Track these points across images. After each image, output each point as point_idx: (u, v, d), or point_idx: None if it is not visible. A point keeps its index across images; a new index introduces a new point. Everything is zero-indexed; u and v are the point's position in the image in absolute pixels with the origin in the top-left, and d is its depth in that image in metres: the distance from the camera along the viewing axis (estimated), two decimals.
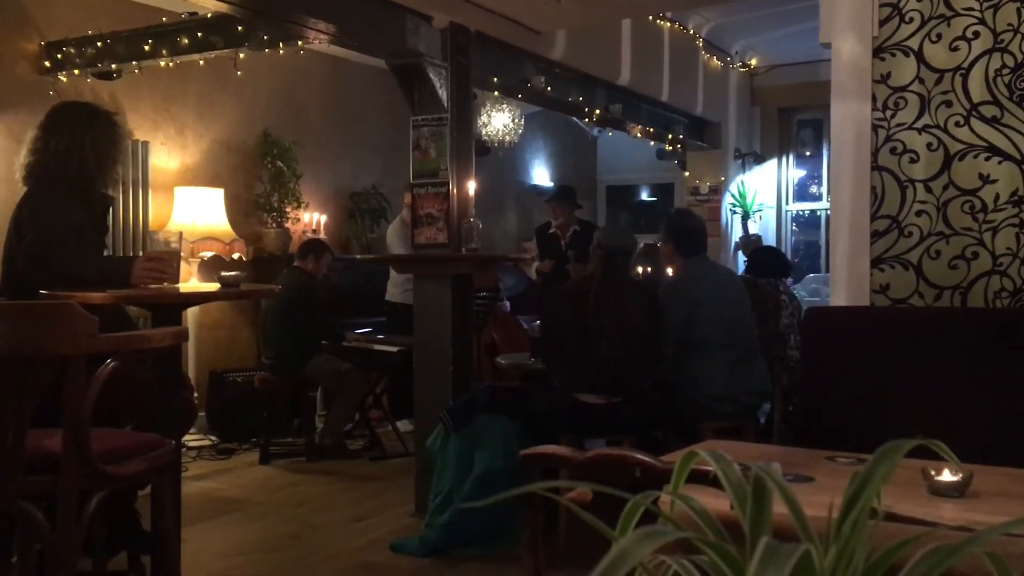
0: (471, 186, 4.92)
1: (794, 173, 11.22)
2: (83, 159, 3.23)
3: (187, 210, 6.23)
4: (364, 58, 6.86)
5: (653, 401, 4.06)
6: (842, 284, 3.04)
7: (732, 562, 0.76)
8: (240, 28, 5.32)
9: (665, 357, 4.22)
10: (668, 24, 8.48)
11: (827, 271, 6.00)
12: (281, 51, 5.74)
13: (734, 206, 10.52)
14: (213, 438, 6.33)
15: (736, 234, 10.33)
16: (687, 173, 10.42)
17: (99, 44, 5.72)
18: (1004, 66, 2.84)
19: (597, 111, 7.58)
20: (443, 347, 4.68)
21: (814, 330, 3.03)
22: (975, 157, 2.88)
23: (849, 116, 3.02)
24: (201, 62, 6.03)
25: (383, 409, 6.55)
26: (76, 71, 5.82)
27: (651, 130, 8.87)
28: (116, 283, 2.98)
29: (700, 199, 10.39)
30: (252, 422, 6.24)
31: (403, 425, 6.37)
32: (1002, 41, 2.85)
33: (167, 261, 3.14)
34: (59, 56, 5.81)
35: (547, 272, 7.27)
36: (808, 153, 11.19)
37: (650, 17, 7.97)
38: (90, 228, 3.28)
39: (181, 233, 3.98)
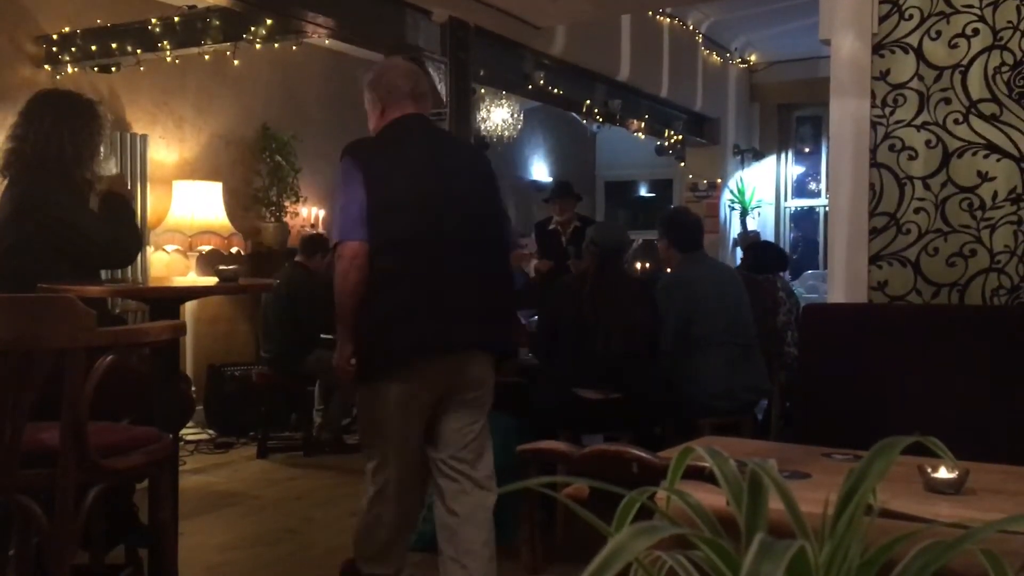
0: None
1: (793, 170, 11.22)
2: (61, 149, 3.20)
3: (185, 204, 6.22)
4: (363, 52, 6.84)
5: (651, 397, 4.06)
6: (840, 281, 3.04)
7: (728, 558, 0.76)
8: (239, 22, 5.32)
9: (663, 353, 4.22)
10: (668, 20, 8.48)
11: (825, 268, 5.99)
12: (280, 45, 5.73)
13: (733, 202, 10.52)
14: (211, 432, 6.33)
15: (735, 230, 10.34)
16: (682, 163, 10.40)
17: (98, 38, 5.71)
18: (1003, 63, 2.84)
19: (596, 107, 7.58)
20: None
21: (812, 327, 3.04)
22: (974, 154, 2.87)
23: (848, 113, 3.02)
24: (201, 56, 6.02)
25: None
26: (75, 64, 5.81)
27: (649, 125, 8.87)
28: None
29: (699, 195, 10.39)
30: (250, 416, 6.24)
31: None
32: (1001, 38, 2.85)
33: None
34: (57, 50, 5.80)
35: (545, 272, 7.23)
36: (807, 150, 11.19)
37: (650, 13, 7.97)
38: (86, 208, 3.29)
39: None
